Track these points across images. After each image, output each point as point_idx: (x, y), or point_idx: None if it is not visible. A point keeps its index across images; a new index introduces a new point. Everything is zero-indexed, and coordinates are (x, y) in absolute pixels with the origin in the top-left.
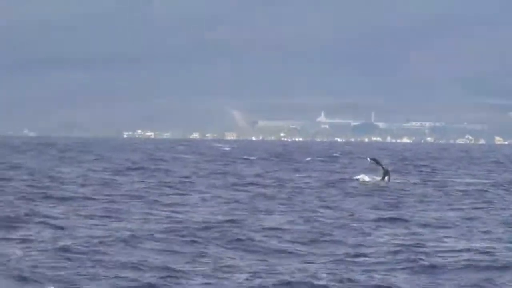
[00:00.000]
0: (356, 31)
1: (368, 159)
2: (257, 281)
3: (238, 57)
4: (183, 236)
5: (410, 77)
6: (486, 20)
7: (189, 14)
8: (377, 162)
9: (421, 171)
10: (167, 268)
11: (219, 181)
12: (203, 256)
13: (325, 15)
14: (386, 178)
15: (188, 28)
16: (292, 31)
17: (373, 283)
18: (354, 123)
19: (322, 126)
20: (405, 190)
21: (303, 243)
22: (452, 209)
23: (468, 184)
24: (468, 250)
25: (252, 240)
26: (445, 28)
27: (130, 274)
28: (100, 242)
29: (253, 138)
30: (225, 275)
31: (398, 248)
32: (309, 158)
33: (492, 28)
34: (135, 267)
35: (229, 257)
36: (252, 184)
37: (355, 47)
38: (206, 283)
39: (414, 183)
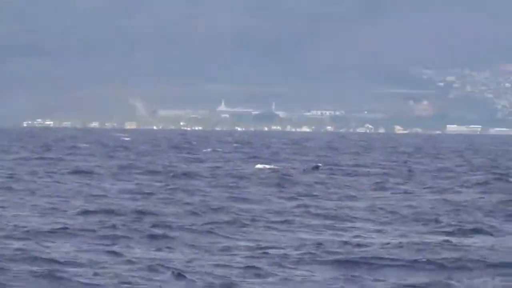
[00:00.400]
0: (256, 18)
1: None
2: None
3: (139, 46)
4: None
5: (311, 66)
6: (389, 9)
7: (93, 3)
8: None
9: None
10: None
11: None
12: None
13: (225, 3)
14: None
15: (90, 18)
16: (193, 19)
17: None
18: (254, 112)
19: (223, 115)
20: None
21: None
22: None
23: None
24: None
25: None
26: (347, 16)
27: None
28: None
29: (154, 127)
30: None
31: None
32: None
33: (394, 16)
34: None
35: None
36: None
37: (256, 35)
38: None
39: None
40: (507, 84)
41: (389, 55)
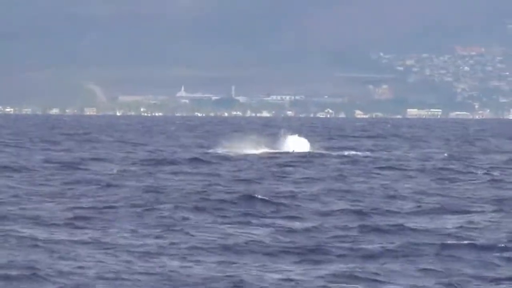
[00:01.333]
0: (217, 1)
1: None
2: None
3: (100, 31)
4: None
5: (271, 51)
6: None
7: None
8: None
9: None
10: None
11: None
12: None
13: None
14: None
15: (52, 2)
16: (153, 2)
17: None
18: (214, 97)
19: (183, 101)
20: None
21: None
22: None
23: None
24: None
25: None
26: (305, 0)
27: None
28: None
29: (118, 113)
30: None
31: None
32: None
33: (354, 0)
34: None
35: None
36: None
37: (216, 18)
38: None
39: None
40: (466, 68)
41: (348, 39)
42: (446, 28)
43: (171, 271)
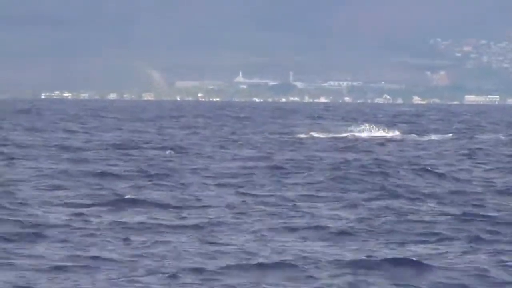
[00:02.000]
0: None
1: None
2: None
3: (157, 16)
4: None
5: (329, 36)
6: None
7: None
8: None
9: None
10: None
11: None
12: None
13: None
14: None
15: None
16: None
17: None
18: (272, 83)
19: (240, 86)
20: None
21: None
22: None
23: None
24: None
25: None
26: None
27: None
28: None
29: (178, 98)
30: None
31: None
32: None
33: None
34: None
35: None
36: None
37: (272, 4)
38: None
39: None
40: None
41: (406, 25)
42: (503, 15)
43: None
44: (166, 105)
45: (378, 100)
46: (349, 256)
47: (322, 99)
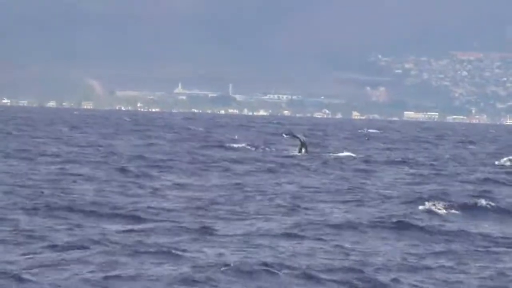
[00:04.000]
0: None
1: (284, 135)
2: None
3: (98, 27)
4: None
5: (269, 50)
6: None
7: None
8: (293, 135)
9: None
10: None
11: None
12: None
13: None
14: (303, 150)
15: None
16: (151, 0)
17: None
18: (211, 94)
19: (180, 97)
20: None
21: None
22: None
23: None
24: None
25: None
26: (305, 0)
27: None
28: None
29: (122, 108)
30: None
31: None
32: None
33: (353, 2)
34: None
35: None
36: None
37: (215, 17)
38: None
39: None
40: (464, 73)
41: (347, 40)
42: (444, 33)
43: None
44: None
45: (317, 115)
46: None
47: (262, 112)
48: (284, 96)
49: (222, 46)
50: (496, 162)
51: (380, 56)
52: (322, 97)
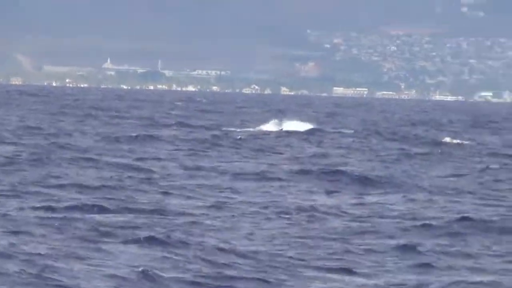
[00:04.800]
0: None
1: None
2: None
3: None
4: None
5: (197, 25)
6: None
7: None
8: None
9: None
10: None
11: None
12: None
13: None
14: None
15: None
16: None
17: None
18: (140, 70)
19: (108, 73)
20: None
21: None
22: None
23: None
24: None
25: None
26: None
27: None
28: None
29: (54, 84)
30: None
31: None
32: None
33: None
34: None
35: None
36: None
37: None
38: None
39: None
40: (393, 48)
41: (276, 15)
42: (374, 8)
43: None
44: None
45: (246, 90)
46: None
47: (190, 88)
48: (213, 72)
49: (152, 20)
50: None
51: (309, 31)
52: (251, 73)
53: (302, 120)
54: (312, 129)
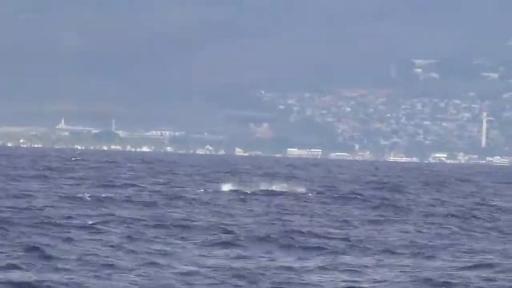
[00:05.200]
0: (99, 36)
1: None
2: None
3: None
4: None
5: (152, 86)
6: (230, 32)
7: None
8: None
9: None
10: None
11: None
12: None
13: (67, 20)
14: None
15: None
16: (35, 34)
17: None
18: (94, 130)
19: (63, 133)
20: None
21: None
22: None
23: None
24: None
25: None
26: (188, 37)
27: None
28: None
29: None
30: None
31: None
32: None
33: (235, 39)
34: None
35: None
36: None
37: (98, 53)
38: None
39: None
40: (348, 109)
41: (230, 77)
42: (329, 69)
43: None
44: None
45: (200, 151)
46: None
47: (145, 149)
48: (167, 132)
49: (105, 82)
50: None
51: (263, 92)
52: (206, 134)
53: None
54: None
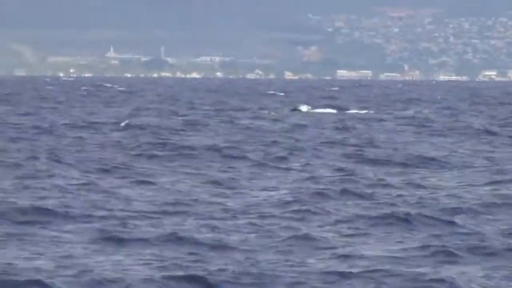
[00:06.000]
0: None
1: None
2: None
3: None
4: None
5: (200, 11)
6: None
7: None
8: None
9: None
10: None
11: None
12: None
13: None
14: None
15: None
16: None
17: None
18: (144, 58)
19: (112, 61)
20: None
21: None
22: None
23: None
24: None
25: None
26: None
27: None
28: None
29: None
30: None
31: None
32: None
33: None
34: None
35: None
36: None
37: None
38: None
39: None
40: (396, 29)
41: (276, 0)
42: None
43: None
44: None
45: (250, 76)
46: None
47: (194, 75)
48: (217, 58)
49: (153, 8)
50: None
51: (310, 15)
52: (255, 58)
53: None
54: None
